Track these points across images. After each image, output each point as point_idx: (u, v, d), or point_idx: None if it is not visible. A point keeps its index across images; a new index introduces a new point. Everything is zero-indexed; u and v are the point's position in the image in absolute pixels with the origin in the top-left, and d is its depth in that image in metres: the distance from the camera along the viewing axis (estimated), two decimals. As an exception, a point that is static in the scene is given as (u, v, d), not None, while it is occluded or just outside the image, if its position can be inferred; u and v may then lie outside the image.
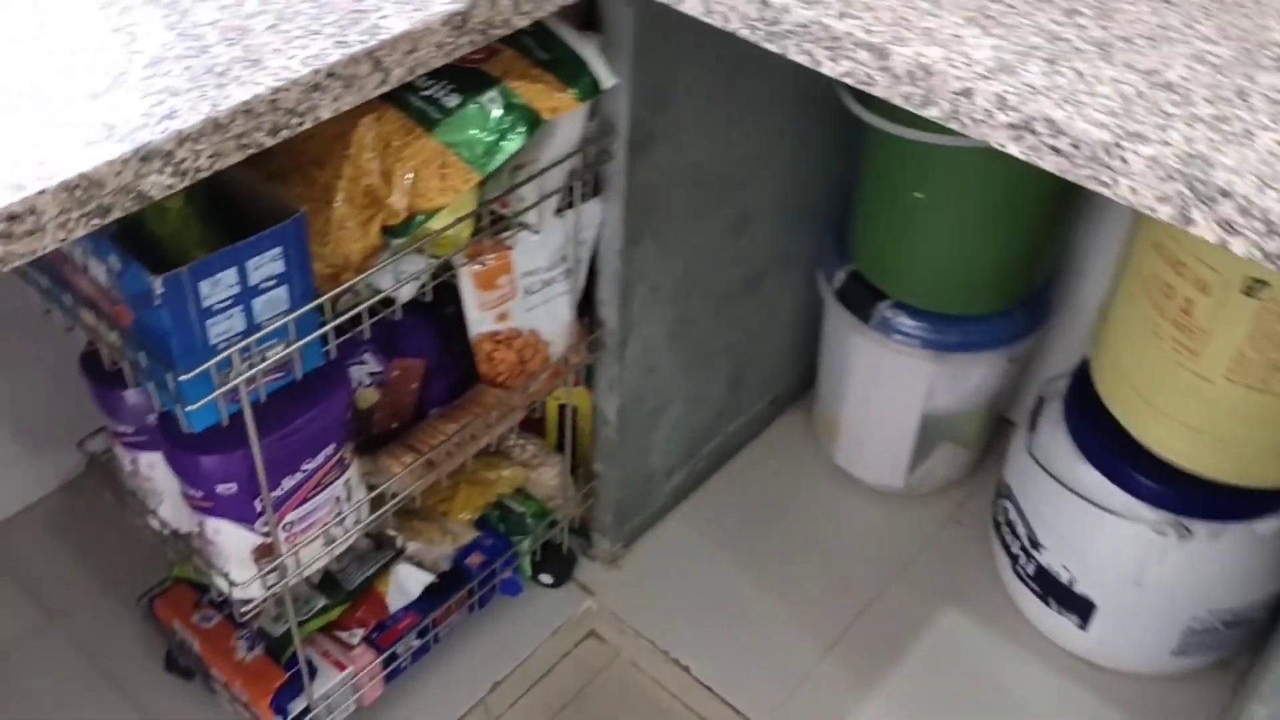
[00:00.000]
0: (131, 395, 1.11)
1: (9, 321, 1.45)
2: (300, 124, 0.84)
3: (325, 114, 0.85)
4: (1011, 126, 0.84)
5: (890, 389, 1.59)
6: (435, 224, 1.09)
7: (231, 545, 1.12)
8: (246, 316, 0.97)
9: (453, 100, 1.06)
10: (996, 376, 1.57)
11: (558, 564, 1.55)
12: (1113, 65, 0.87)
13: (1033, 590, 1.50)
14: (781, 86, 1.37)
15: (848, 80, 0.91)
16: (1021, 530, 1.48)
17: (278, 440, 1.08)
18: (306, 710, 1.29)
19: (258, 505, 1.10)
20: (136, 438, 1.15)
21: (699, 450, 1.66)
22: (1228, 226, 0.76)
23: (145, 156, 0.75)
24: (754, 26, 0.94)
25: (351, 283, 1.05)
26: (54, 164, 0.73)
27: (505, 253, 1.22)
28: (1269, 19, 0.93)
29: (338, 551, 1.21)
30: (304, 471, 1.12)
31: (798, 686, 1.48)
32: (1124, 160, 0.79)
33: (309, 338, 1.03)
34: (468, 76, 1.07)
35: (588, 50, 1.11)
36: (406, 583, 1.37)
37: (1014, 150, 0.85)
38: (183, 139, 0.76)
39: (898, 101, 0.89)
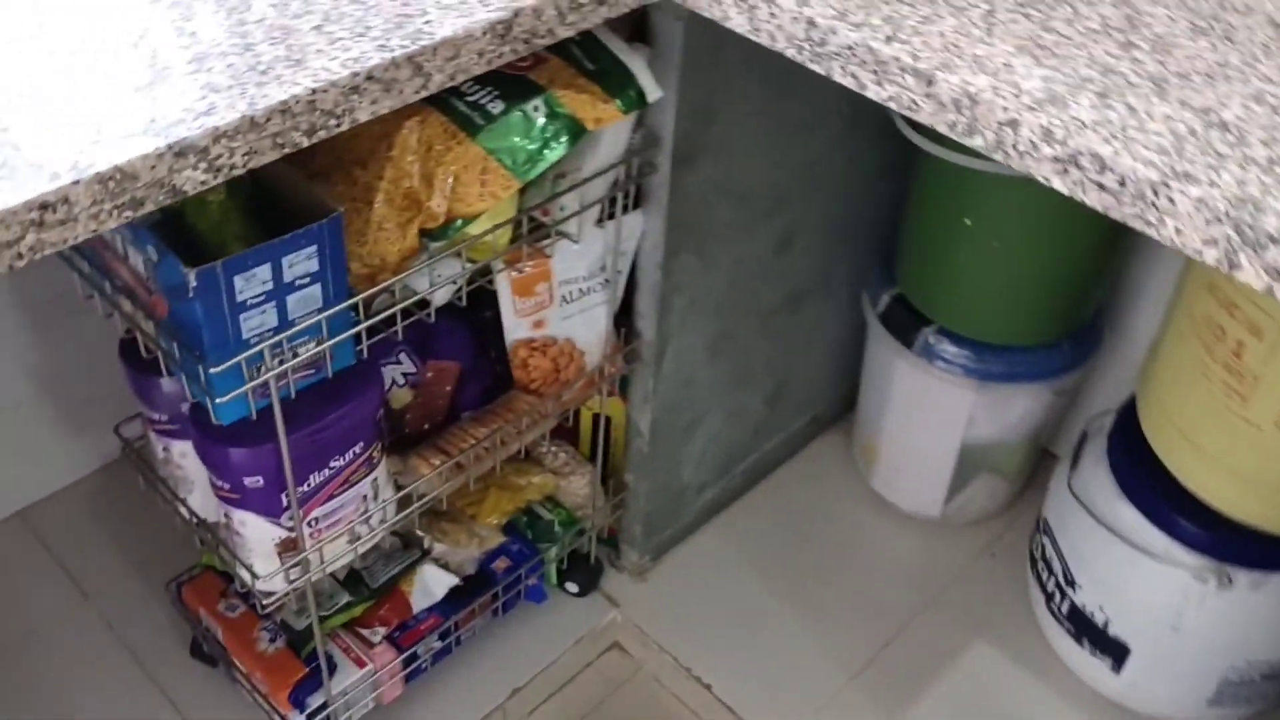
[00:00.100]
0: (166, 384, 1.12)
1: (57, 304, 1.48)
2: (338, 125, 0.84)
3: (363, 116, 0.85)
4: (1056, 160, 0.82)
5: (931, 416, 1.56)
6: (474, 229, 1.09)
7: (256, 538, 1.13)
8: (279, 313, 0.98)
9: (497, 107, 1.06)
10: (1040, 409, 1.54)
11: (584, 573, 1.54)
12: (1167, 102, 0.84)
13: (1066, 630, 1.47)
14: (832, 105, 1.36)
15: (892, 105, 0.89)
16: (1058, 567, 1.45)
17: (306, 436, 1.08)
18: (324, 705, 1.29)
19: (284, 499, 1.11)
20: (170, 426, 1.16)
21: (734, 467, 1.65)
22: (1275, 273, 0.73)
23: (180, 152, 0.76)
24: (800, 46, 0.93)
25: (387, 284, 1.05)
26: (90, 155, 0.74)
27: (544, 260, 1.21)
28: (1334, 60, 0.90)
29: (362, 549, 1.21)
30: (331, 468, 1.13)
31: (819, 712, 1.46)
32: (1170, 201, 0.77)
33: (341, 336, 1.03)
34: (513, 83, 1.07)
35: (635, 62, 1.10)
36: (431, 584, 1.37)
37: (1058, 185, 0.83)
38: (218, 136, 0.77)
39: (942, 129, 0.88)
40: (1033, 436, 1.59)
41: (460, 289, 1.13)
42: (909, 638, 1.54)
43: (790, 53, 0.94)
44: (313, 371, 1.05)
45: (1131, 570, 1.34)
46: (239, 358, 0.96)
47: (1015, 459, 1.62)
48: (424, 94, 0.89)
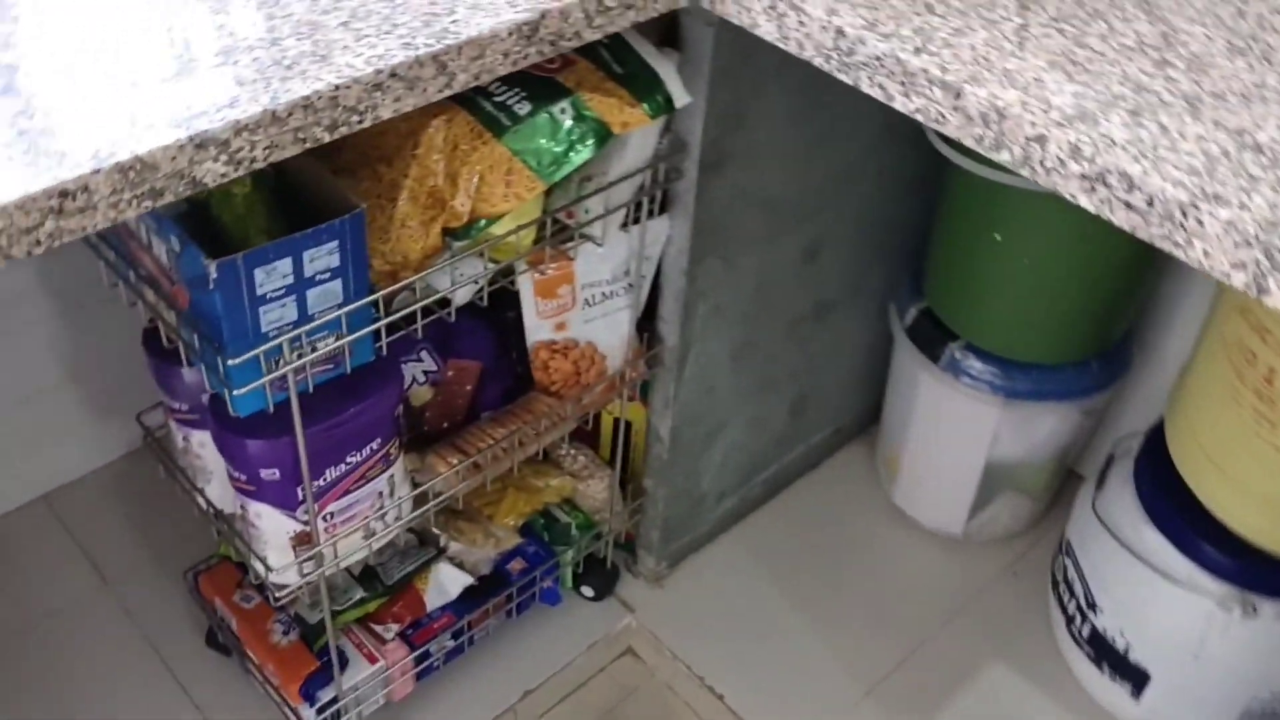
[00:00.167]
0: (187, 373, 1.13)
1: (89, 291, 1.49)
2: (360, 122, 0.84)
3: (385, 114, 0.85)
4: (1084, 178, 0.81)
5: (955, 432, 1.55)
6: (497, 229, 1.09)
7: (271, 530, 1.13)
8: (299, 307, 0.98)
9: (524, 108, 1.06)
10: (1067, 428, 1.52)
11: (600, 578, 1.53)
12: (1200, 122, 0.83)
13: (1086, 654, 1.45)
14: (864, 115, 1.35)
15: (919, 117, 0.88)
16: (1079, 590, 1.43)
17: (323, 431, 1.08)
18: (335, 700, 1.29)
19: (299, 493, 1.11)
20: (190, 415, 1.17)
21: (754, 476, 1.64)
22: (1305, 299, 0.72)
23: (200, 144, 0.76)
24: (828, 56, 0.92)
25: (408, 281, 1.05)
26: (111, 144, 0.74)
27: (567, 263, 1.21)
28: (1374, 84, 0.88)
29: (377, 545, 1.21)
30: (348, 464, 1.13)
31: (832, 727, 1.45)
32: (1199, 222, 0.76)
33: (361, 332, 1.04)
34: (541, 85, 1.07)
35: (664, 67, 1.10)
36: (446, 582, 1.37)
37: (1085, 202, 0.82)
38: (239, 129, 0.77)
39: (969, 143, 0.87)
40: (1058, 456, 1.57)
41: (482, 289, 1.13)
42: (926, 655, 1.53)
43: (818, 61, 0.93)
44: (331, 366, 1.05)
45: (1154, 595, 1.32)
46: (257, 350, 0.97)
47: (1040, 478, 1.60)
48: (448, 93, 0.89)
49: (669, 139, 1.18)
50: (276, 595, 1.16)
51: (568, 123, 1.06)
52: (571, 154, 1.06)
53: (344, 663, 1.30)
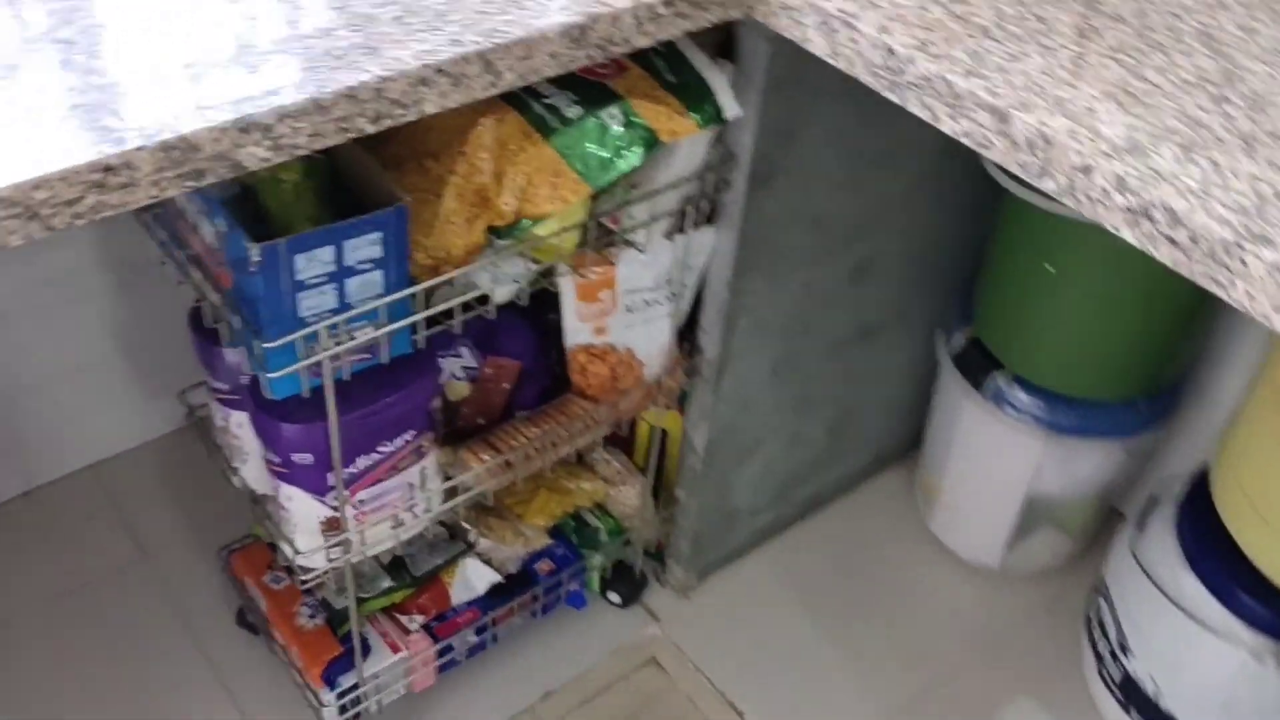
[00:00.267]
0: (229, 354, 1.15)
1: (141, 269, 1.53)
2: (404, 115, 0.85)
3: (430, 108, 0.86)
4: (1128, 210, 0.79)
5: (996, 463, 1.52)
6: (541, 230, 1.09)
7: (301, 514, 1.15)
8: (339, 295, 0.99)
9: (574, 111, 1.06)
10: (1111, 466, 1.49)
11: (628, 584, 1.53)
12: (1254, 161, 0.81)
13: (1115, 697, 1.42)
14: (918, 138, 1.33)
15: (965, 140, 0.88)
16: (1112, 632, 1.41)
17: (357, 419, 1.09)
18: (355, 686, 1.30)
19: (330, 479, 1.12)
20: (230, 395, 1.18)
21: (789, 494, 1.62)
22: (1346, 349, 0.70)
23: (244, 128, 0.77)
24: (877, 74, 0.91)
25: (449, 276, 1.06)
26: (158, 122, 0.75)
27: (609, 268, 1.21)
28: None
29: (404, 536, 1.22)
30: (380, 453, 1.14)
31: (850, 752, 1.43)
32: (1243, 263, 0.74)
33: (399, 324, 1.04)
34: (592, 89, 1.07)
35: (716, 78, 1.10)
36: (473, 578, 1.37)
37: (1128, 235, 0.80)
38: (283, 115, 0.78)
39: (1014, 169, 0.86)
40: (1100, 493, 1.54)
41: (522, 288, 1.14)
42: (951, 688, 1.51)
43: (867, 79, 0.93)
44: (369, 356, 1.06)
45: (1188, 643, 1.29)
46: (294, 335, 0.98)
47: (1081, 515, 1.57)
48: (494, 91, 0.89)
49: (719, 151, 1.18)
50: (303, 578, 1.18)
51: (616, 128, 1.06)
52: (619, 159, 1.06)
53: (367, 650, 1.31)
